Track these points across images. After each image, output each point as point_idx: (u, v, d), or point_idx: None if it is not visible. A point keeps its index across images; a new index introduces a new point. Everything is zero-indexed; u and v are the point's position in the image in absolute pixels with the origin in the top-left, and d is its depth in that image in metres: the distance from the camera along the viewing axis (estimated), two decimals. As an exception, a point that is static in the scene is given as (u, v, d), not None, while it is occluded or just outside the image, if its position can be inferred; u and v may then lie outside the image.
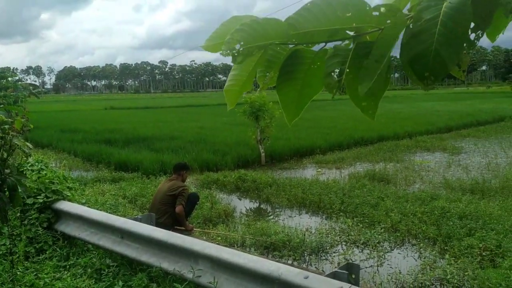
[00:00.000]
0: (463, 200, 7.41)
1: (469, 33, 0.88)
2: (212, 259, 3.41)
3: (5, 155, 3.45)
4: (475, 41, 0.91)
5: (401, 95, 63.03)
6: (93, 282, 4.04)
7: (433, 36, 0.84)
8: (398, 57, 0.99)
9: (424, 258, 5.48)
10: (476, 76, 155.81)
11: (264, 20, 0.97)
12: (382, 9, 0.93)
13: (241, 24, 0.95)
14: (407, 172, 10.47)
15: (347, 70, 0.99)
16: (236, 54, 0.95)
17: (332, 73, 1.00)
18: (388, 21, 0.93)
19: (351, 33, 0.98)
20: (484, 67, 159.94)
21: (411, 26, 0.88)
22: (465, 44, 0.88)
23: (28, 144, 3.45)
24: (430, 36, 0.84)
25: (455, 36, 0.83)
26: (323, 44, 1.01)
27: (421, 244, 5.91)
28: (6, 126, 3.40)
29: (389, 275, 5.02)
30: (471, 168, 11.06)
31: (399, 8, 0.96)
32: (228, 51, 0.95)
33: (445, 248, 5.68)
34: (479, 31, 0.89)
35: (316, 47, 1.04)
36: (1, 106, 3.83)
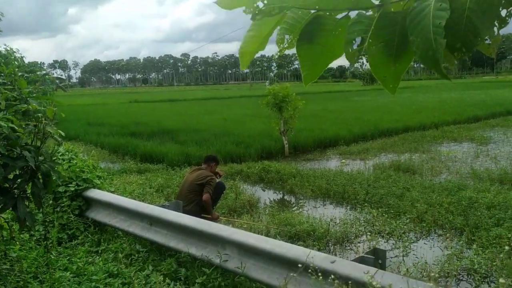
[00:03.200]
0: (492, 190, 7.25)
1: (501, 8, 0.86)
2: (239, 244, 3.47)
3: (38, 142, 3.57)
4: (507, 18, 0.90)
5: (428, 85, 61.74)
6: (124, 267, 4.16)
7: (465, 3, 0.82)
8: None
9: (451, 248, 5.41)
10: (506, 65, 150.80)
11: None
12: None
13: None
14: (433, 163, 10.30)
15: (370, 39, 0.97)
16: (257, 12, 0.95)
17: (353, 41, 0.99)
18: None
19: (376, 2, 0.97)
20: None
21: None
22: (496, 21, 0.86)
23: (60, 132, 3.56)
24: (462, 4, 0.83)
25: (488, 4, 0.82)
26: (345, 12, 1.00)
27: (448, 235, 5.83)
28: (40, 115, 3.51)
29: (414, 265, 4.99)
30: (500, 158, 10.78)
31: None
32: (250, 5, 0.95)
33: (473, 238, 5.59)
34: (511, 8, 0.88)
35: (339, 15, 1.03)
36: (34, 95, 3.95)
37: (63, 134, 3.57)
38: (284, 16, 1.02)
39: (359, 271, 2.62)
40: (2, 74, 3.73)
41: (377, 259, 2.95)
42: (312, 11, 1.01)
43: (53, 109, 3.79)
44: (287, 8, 0.99)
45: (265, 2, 0.94)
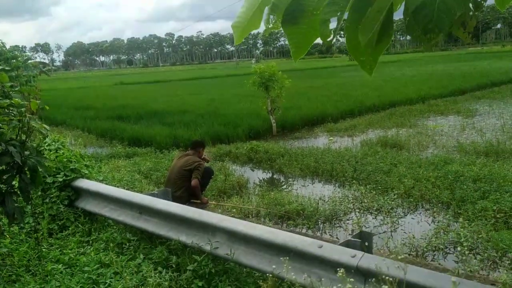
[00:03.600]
0: (477, 163, 7.38)
1: None
2: (229, 231, 3.52)
3: (23, 137, 3.53)
4: (482, 2, 0.89)
5: (414, 58, 61.77)
6: (116, 256, 4.19)
7: None
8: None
9: (438, 222, 5.54)
10: (490, 35, 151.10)
11: None
12: None
13: None
14: (420, 137, 10.42)
15: (346, 21, 0.97)
16: None
17: (328, 22, 1.00)
18: None
19: None
20: (499, 25, 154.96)
21: None
22: (471, 5, 0.85)
23: (45, 126, 3.52)
24: None
25: None
26: None
27: (435, 209, 5.96)
28: (23, 109, 3.47)
29: (403, 240, 5.11)
30: (486, 130, 10.95)
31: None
32: None
33: (459, 212, 5.71)
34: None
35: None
36: (16, 89, 3.88)
37: (47, 127, 3.53)
38: None
39: (347, 255, 2.68)
40: (-19, 68, 3.65)
41: (363, 241, 3.02)
42: None
43: (37, 102, 3.74)
44: None
45: None
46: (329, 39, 1.03)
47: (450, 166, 7.24)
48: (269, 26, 1.12)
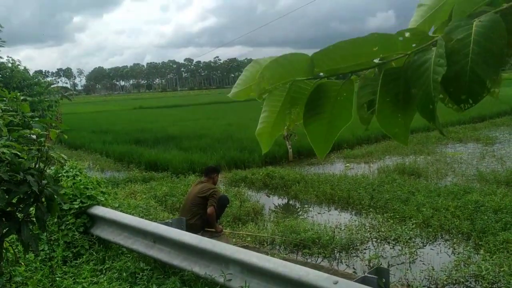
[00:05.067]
0: (498, 193, 7.20)
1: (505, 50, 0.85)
2: (242, 263, 3.47)
3: (42, 166, 3.59)
4: (509, 58, 0.88)
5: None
6: (128, 286, 4.17)
7: (467, 55, 0.81)
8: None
9: (458, 254, 5.38)
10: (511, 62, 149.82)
11: (291, 56, 0.96)
12: (407, 34, 0.91)
13: (270, 61, 0.95)
14: (438, 165, 10.25)
15: (378, 99, 0.97)
16: (265, 93, 0.96)
17: (365, 105, 1.00)
18: (414, 45, 0.91)
19: (377, 60, 0.96)
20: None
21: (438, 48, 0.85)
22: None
23: (63, 155, 3.58)
24: (464, 56, 0.82)
25: (491, 54, 0.80)
26: (348, 75, 1.00)
27: (455, 240, 5.80)
28: (42, 139, 3.54)
29: (421, 272, 4.96)
30: (506, 159, 10.71)
31: (424, 31, 0.94)
32: (259, 91, 0.96)
33: (480, 243, 5.55)
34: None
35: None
36: (36, 119, 3.98)
37: (65, 157, 3.59)
38: (290, 90, 1.02)
39: (362, 292, 2.61)
40: (5, 99, 3.76)
41: (380, 278, 2.94)
42: (315, 80, 1.00)
43: (56, 131, 3.82)
44: (291, 82, 0.99)
45: (270, 81, 0.94)
46: (368, 121, 1.02)
47: (470, 196, 7.07)
48: (292, 119, 1.08)
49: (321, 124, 1.04)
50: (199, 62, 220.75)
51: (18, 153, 3.32)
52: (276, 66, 0.96)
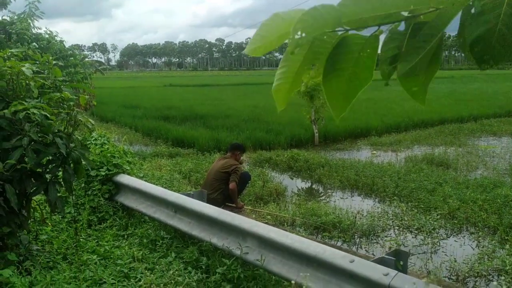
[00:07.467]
0: (530, 188, 6.95)
1: None
2: (260, 237, 3.48)
3: (70, 130, 3.68)
4: None
5: (468, 75, 59.40)
6: (148, 252, 4.27)
7: (498, 16, 0.79)
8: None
9: (483, 247, 5.25)
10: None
11: (322, 8, 0.91)
12: None
13: (303, 14, 0.90)
14: (469, 157, 9.95)
15: (403, 53, 0.93)
16: (298, 47, 0.92)
17: (388, 60, 0.96)
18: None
19: (405, 14, 0.92)
20: None
21: (472, 5, 0.83)
22: None
23: (90, 120, 3.66)
24: (495, 17, 0.79)
25: None
26: (375, 28, 0.95)
27: (480, 233, 5.65)
28: (71, 103, 3.62)
29: (443, 263, 4.87)
30: (541, 155, 10.31)
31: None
32: (294, 45, 0.91)
33: (506, 238, 5.39)
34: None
35: (365, 32, 0.98)
36: (67, 83, 4.05)
37: (93, 122, 3.66)
38: (312, 44, 0.97)
39: (379, 272, 2.58)
40: (37, 62, 3.84)
41: (398, 260, 2.89)
42: (340, 33, 0.96)
43: (86, 97, 3.88)
44: (315, 36, 0.94)
45: (303, 34, 0.90)
46: (389, 77, 0.98)
47: (500, 190, 6.85)
48: (311, 76, 1.05)
49: (341, 82, 0.99)
50: (230, 42, 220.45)
51: (48, 115, 3.40)
52: (308, 19, 0.92)
